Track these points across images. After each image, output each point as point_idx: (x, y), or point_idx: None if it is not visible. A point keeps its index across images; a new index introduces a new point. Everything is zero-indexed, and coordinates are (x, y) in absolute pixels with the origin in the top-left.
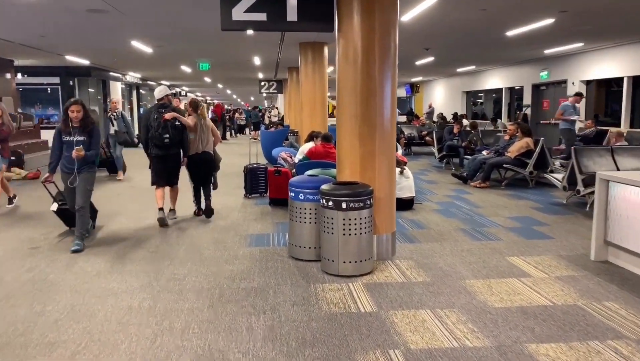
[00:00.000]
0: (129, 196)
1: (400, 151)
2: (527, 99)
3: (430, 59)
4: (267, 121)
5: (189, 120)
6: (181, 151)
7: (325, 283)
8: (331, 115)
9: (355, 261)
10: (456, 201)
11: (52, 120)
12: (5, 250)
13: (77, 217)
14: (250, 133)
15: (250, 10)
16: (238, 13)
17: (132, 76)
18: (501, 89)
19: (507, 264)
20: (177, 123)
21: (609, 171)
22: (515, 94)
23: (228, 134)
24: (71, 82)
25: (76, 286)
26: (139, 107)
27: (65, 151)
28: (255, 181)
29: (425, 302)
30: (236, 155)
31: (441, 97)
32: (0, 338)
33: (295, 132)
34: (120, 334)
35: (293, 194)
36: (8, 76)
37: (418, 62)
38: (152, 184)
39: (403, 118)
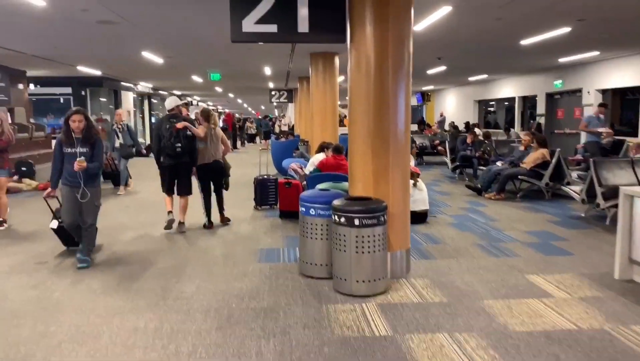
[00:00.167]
0: (136, 209)
1: (412, 162)
2: (540, 108)
3: (442, 68)
4: (277, 129)
5: (200, 130)
6: (191, 160)
7: (337, 303)
8: (341, 124)
9: (369, 280)
10: (471, 214)
11: None
12: (12, 265)
13: (83, 234)
14: (260, 142)
15: (260, 21)
16: (248, 25)
17: (144, 86)
18: (514, 98)
19: (527, 283)
20: (188, 133)
21: (634, 186)
22: (528, 103)
23: (239, 143)
24: (83, 93)
25: (81, 305)
26: (150, 116)
27: (67, 163)
28: (265, 192)
29: (443, 325)
30: (246, 165)
31: (452, 106)
32: None
33: (306, 142)
34: (125, 357)
35: (304, 209)
36: (21, 86)
37: (430, 71)
38: (164, 191)
39: (414, 127)
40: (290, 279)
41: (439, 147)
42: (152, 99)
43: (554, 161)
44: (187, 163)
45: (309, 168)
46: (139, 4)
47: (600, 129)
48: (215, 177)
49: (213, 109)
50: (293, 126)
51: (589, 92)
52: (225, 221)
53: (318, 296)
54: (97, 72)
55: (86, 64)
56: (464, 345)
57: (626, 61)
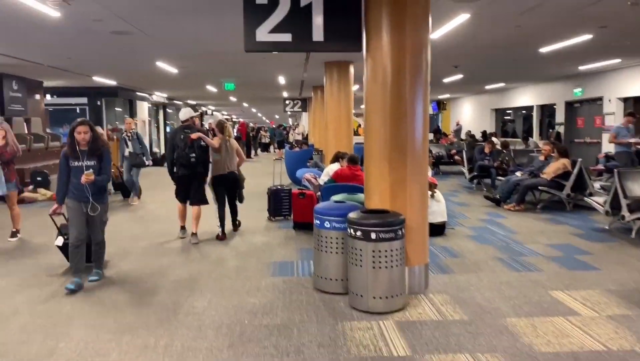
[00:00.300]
0: (149, 220)
1: (429, 172)
2: (559, 116)
3: (459, 76)
4: (291, 139)
5: (215, 141)
6: (204, 170)
7: (353, 320)
8: (356, 133)
9: (386, 297)
10: (490, 226)
11: None
12: (24, 277)
13: (93, 250)
14: (274, 151)
15: (274, 30)
16: (262, 34)
17: (159, 96)
18: (532, 106)
19: (551, 300)
20: (202, 143)
21: None
22: (546, 111)
23: (252, 152)
24: (99, 103)
25: (91, 320)
26: (165, 126)
27: (74, 178)
28: (279, 203)
29: (464, 345)
30: (260, 174)
31: (469, 115)
32: None
33: (320, 152)
34: None
35: (318, 222)
36: (37, 97)
37: (446, 80)
38: (177, 197)
39: (430, 136)
40: (304, 294)
41: (456, 157)
42: (167, 109)
43: (575, 171)
44: (200, 173)
45: (324, 178)
46: (152, 14)
47: (631, 140)
48: (230, 188)
49: (227, 119)
50: (307, 135)
51: (610, 101)
52: (236, 226)
53: (333, 313)
54: (113, 83)
55: (101, 74)
56: None
57: None
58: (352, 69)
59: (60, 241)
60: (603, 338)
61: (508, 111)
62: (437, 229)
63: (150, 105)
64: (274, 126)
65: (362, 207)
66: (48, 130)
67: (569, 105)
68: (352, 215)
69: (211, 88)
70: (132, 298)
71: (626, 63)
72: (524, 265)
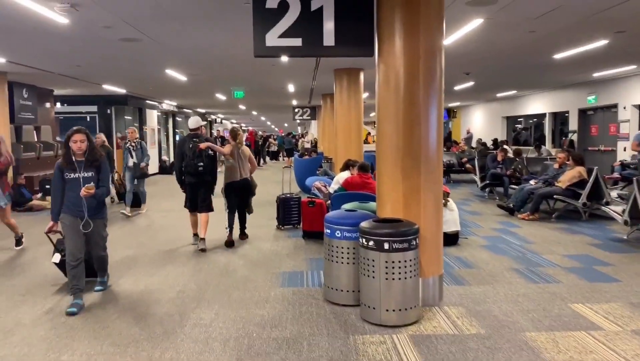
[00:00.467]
0: (157, 229)
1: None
2: (573, 124)
3: (470, 84)
4: (299, 146)
5: (226, 148)
6: (212, 178)
7: (365, 333)
8: (365, 141)
9: (400, 309)
10: (504, 236)
11: None
12: (28, 287)
13: (95, 263)
14: (283, 159)
15: (284, 35)
16: (272, 38)
17: (168, 104)
18: (544, 114)
19: (572, 313)
20: (210, 152)
21: None
22: (559, 119)
23: (261, 161)
24: (108, 111)
25: (96, 332)
26: (174, 135)
27: (70, 191)
28: (288, 211)
29: None
30: (269, 182)
31: (480, 123)
32: None
33: (329, 160)
34: None
35: (329, 231)
36: (48, 105)
37: (457, 87)
38: (186, 206)
39: None
40: (314, 306)
41: (467, 165)
42: (177, 117)
43: (591, 179)
44: (208, 182)
45: (334, 187)
46: (161, 21)
47: None
48: (243, 195)
49: (237, 127)
50: (316, 143)
51: (625, 108)
52: (243, 238)
53: (344, 326)
54: (122, 91)
55: (111, 82)
56: None
57: None
58: (362, 76)
59: (57, 258)
60: (629, 354)
61: (519, 119)
62: (450, 239)
63: (159, 113)
64: (283, 135)
65: (374, 216)
66: (58, 138)
67: (583, 112)
68: (364, 224)
69: (220, 96)
70: (137, 309)
71: None
72: (542, 276)
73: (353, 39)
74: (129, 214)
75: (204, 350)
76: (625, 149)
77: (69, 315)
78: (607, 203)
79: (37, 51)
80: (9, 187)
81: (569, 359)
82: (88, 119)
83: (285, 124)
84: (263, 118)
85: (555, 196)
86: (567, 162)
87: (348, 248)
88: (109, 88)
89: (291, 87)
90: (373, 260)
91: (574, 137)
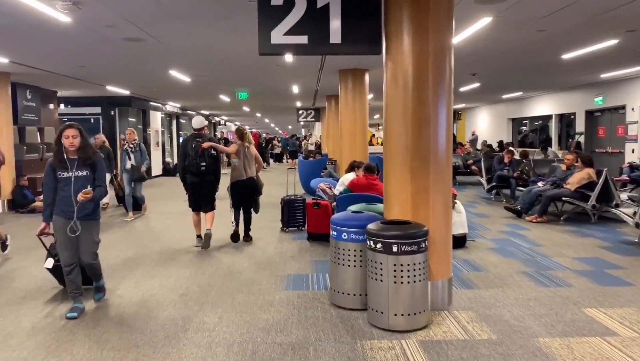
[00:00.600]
0: (157, 232)
1: None
2: (579, 126)
3: (476, 85)
4: (302, 148)
5: (232, 148)
6: (214, 178)
7: (373, 339)
8: (369, 143)
9: (408, 314)
10: (513, 238)
11: None
12: (28, 289)
13: (89, 272)
14: (287, 162)
15: (290, 32)
16: (277, 36)
17: (172, 106)
18: (550, 115)
19: (585, 318)
20: (213, 152)
21: None
22: (565, 121)
23: (265, 163)
24: (112, 112)
25: (96, 336)
26: (178, 136)
27: (62, 191)
28: (293, 213)
29: None
30: (273, 184)
31: (485, 125)
32: None
33: (334, 161)
34: None
35: (335, 233)
36: (51, 106)
37: (462, 89)
38: (190, 206)
39: None
40: (320, 310)
41: (473, 167)
42: (181, 119)
43: (601, 181)
44: (210, 182)
45: (339, 188)
46: (165, 20)
47: None
48: (249, 193)
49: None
50: (320, 144)
51: (633, 109)
52: (247, 240)
53: (351, 331)
54: (126, 92)
55: (114, 83)
56: None
57: None
58: (367, 77)
59: (50, 263)
60: None
61: (524, 121)
62: (458, 241)
63: (163, 115)
64: (286, 136)
65: (382, 218)
66: None
67: (590, 114)
68: (371, 226)
69: (224, 98)
70: (138, 312)
71: None
72: (552, 280)
73: (360, 36)
74: (130, 219)
75: (207, 356)
76: (633, 151)
77: (69, 319)
78: (617, 206)
79: (39, 51)
80: None
81: None
82: (92, 121)
83: (289, 127)
84: (267, 120)
85: (563, 199)
86: (576, 164)
87: (355, 251)
88: (113, 89)
89: (295, 89)
90: (381, 263)
91: (581, 139)
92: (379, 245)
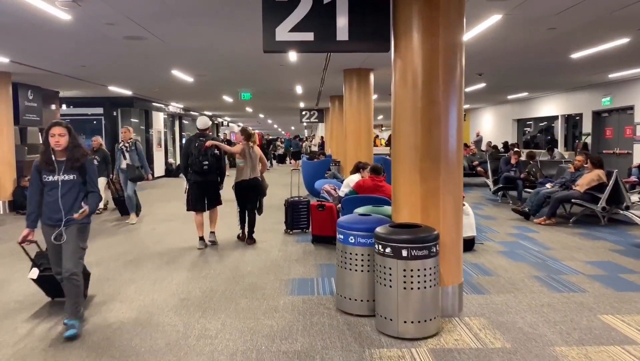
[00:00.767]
0: (157, 234)
1: None
2: (586, 127)
3: (482, 85)
4: (306, 149)
5: (236, 148)
6: (218, 178)
7: (382, 347)
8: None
9: (419, 321)
10: (521, 241)
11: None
12: (26, 294)
13: (66, 287)
14: (290, 163)
15: (295, 29)
16: (282, 33)
17: (175, 106)
18: (556, 116)
19: (602, 326)
20: (216, 151)
21: None
22: (571, 121)
23: (268, 164)
24: (114, 113)
25: (94, 343)
26: (181, 137)
27: (48, 196)
28: (297, 215)
29: None
30: (276, 186)
31: (489, 126)
32: None
33: (338, 162)
34: None
35: (342, 237)
36: (53, 107)
37: (468, 89)
38: (188, 209)
39: None
40: (326, 316)
41: (479, 168)
42: (183, 120)
43: (611, 182)
44: (213, 181)
45: (344, 190)
46: (167, 18)
47: None
48: (252, 194)
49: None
50: (323, 145)
51: None
52: (250, 242)
53: (359, 338)
54: (128, 92)
55: (116, 83)
56: None
57: None
58: (372, 77)
59: (34, 273)
60: None
61: (528, 122)
62: (466, 244)
63: (166, 116)
64: (289, 137)
65: (390, 221)
66: None
67: (597, 115)
68: (379, 230)
69: (227, 98)
70: (138, 318)
71: None
72: (565, 285)
73: (368, 33)
74: (134, 222)
75: None
76: None
77: (68, 339)
78: (627, 208)
79: (40, 50)
80: None
81: None
82: (95, 122)
83: (292, 127)
84: (270, 121)
85: (573, 201)
86: (585, 165)
87: (362, 255)
88: (115, 90)
89: (299, 89)
90: (390, 268)
91: (588, 140)
92: (387, 249)
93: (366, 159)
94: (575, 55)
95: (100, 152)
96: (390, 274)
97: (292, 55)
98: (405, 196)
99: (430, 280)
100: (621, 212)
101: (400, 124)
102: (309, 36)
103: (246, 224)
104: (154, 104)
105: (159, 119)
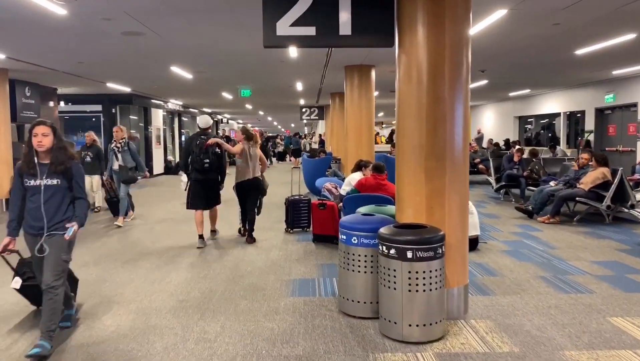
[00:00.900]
0: (155, 234)
1: None
2: (589, 124)
3: (484, 82)
4: (307, 147)
5: (237, 148)
6: (219, 177)
7: (386, 351)
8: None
9: (424, 325)
10: (525, 240)
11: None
12: (15, 301)
13: (44, 302)
14: (290, 160)
15: (297, 23)
16: (283, 27)
17: (174, 103)
18: (558, 113)
19: (612, 329)
20: (217, 150)
21: None
22: (573, 118)
23: (267, 161)
24: (113, 110)
25: (90, 347)
26: (180, 134)
27: (30, 202)
28: (298, 214)
29: None
30: (276, 184)
31: (491, 123)
32: None
33: (338, 160)
34: None
35: (344, 237)
36: (51, 104)
37: (470, 86)
38: (188, 207)
39: None
40: (328, 318)
41: (480, 166)
42: (183, 117)
43: (616, 180)
44: (214, 180)
45: (345, 188)
46: (165, 14)
47: None
48: (252, 193)
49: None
50: (323, 142)
51: None
52: (250, 241)
53: (362, 342)
54: (127, 89)
55: (115, 80)
56: None
57: None
58: (373, 74)
59: (17, 283)
60: None
61: (529, 119)
62: (470, 244)
63: (165, 113)
64: (289, 135)
65: (394, 221)
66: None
67: (600, 112)
68: (383, 230)
69: (227, 95)
70: (135, 320)
71: None
72: (572, 285)
73: (372, 28)
74: (121, 224)
75: None
76: None
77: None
78: (633, 206)
79: (36, 46)
80: None
81: None
82: (93, 119)
83: (292, 125)
84: (270, 118)
85: (577, 199)
86: (590, 163)
87: (365, 256)
88: (114, 87)
89: (299, 86)
90: (394, 270)
91: (591, 137)
92: (392, 251)
93: (367, 157)
94: (580, 51)
95: (94, 148)
96: (394, 277)
97: (293, 51)
98: (410, 195)
99: (436, 282)
100: (626, 210)
101: (404, 121)
102: (310, 31)
103: (247, 223)
104: (153, 101)
105: (158, 116)
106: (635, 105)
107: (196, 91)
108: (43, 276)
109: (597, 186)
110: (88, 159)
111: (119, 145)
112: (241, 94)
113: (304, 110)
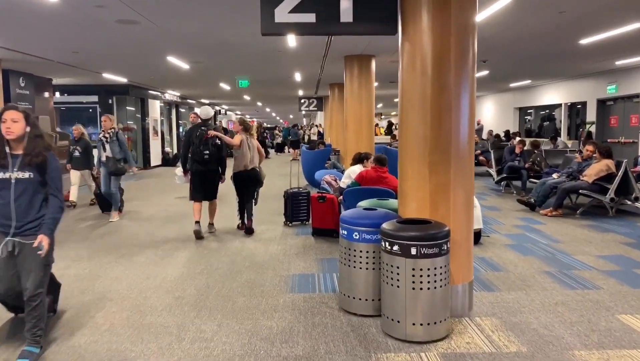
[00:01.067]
0: (150, 227)
1: None
2: (590, 115)
3: (485, 72)
4: (305, 139)
5: (235, 139)
6: (219, 168)
7: (389, 351)
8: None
9: (428, 323)
10: (529, 233)
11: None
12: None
13: (27, 311)
14: (288, 152)
15: (296, 10)
16: (282, 14)
17: (171, 94)
18: (559, 104)
19: (622, 327)
20: (217, 141)
21: None
22: (574, 110)
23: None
24: (110, 101)
25: (81, 347)
26: (178, 126)
27: None
28: (297, 207)
29: None
30: (275, 176)
31: (490, 114)
32: None
33: (337, 152)
34: None
35: (345, 232)
36: (46, 94)
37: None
38: (191, 199)
39: None
40: (329, 316)
41: (481, 158)
42: (180, 108)
43: (620, 173)
44: (214, 171)
45: (345, 181)
46: (160, 1)
47: None
48: (250, 184)
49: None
50: (322, 134)
51: None
52: (248, 231)
53: (364, 341)
54: (124, 80)
55: (111, 70)
56: None
57: None
58: (373, 64)
59: None
60: None
61: (529, 110)
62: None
63: (162, 104)
64: (288, 126)
65: (397, 216)
66: (58, 129)
67: (601, 103)
68: (386, 226)
69: (224, 86)
70: (129, 318)
71: None
72: (578, 281)
73: (374, 15)
74: (115, 219)
75: None
76: None
77: None
78: (637, 199)
79: (30, 35)
80: None
81: None
82: (90, 110)
83: (291, 116)
84: (268, 109)
85: (580, 191)
86: (594, 155)
87: (367, 252)
88: (110, 77)
89: (298, 76)
90: (398, 267)
91: (592, 128)
92: (395, 247)
93: (367, 148)
94: (584, 41)
95: (82, 142)
96: (397, 274)
97: (292, 40)
98: (413, 190)
99: (441, 280)
100: (630, 203)
101: (407, 113)
102: (310, 17)
103: (245, 215)
104: (150, 92)
105: (155, 108)
106: (638, 96)
107: (193, 82)
108: (23, 285)
109: (600, 178)
110: (77, 153)
111: (107, 135)
112: (239, 85)
113: (302, 101)
